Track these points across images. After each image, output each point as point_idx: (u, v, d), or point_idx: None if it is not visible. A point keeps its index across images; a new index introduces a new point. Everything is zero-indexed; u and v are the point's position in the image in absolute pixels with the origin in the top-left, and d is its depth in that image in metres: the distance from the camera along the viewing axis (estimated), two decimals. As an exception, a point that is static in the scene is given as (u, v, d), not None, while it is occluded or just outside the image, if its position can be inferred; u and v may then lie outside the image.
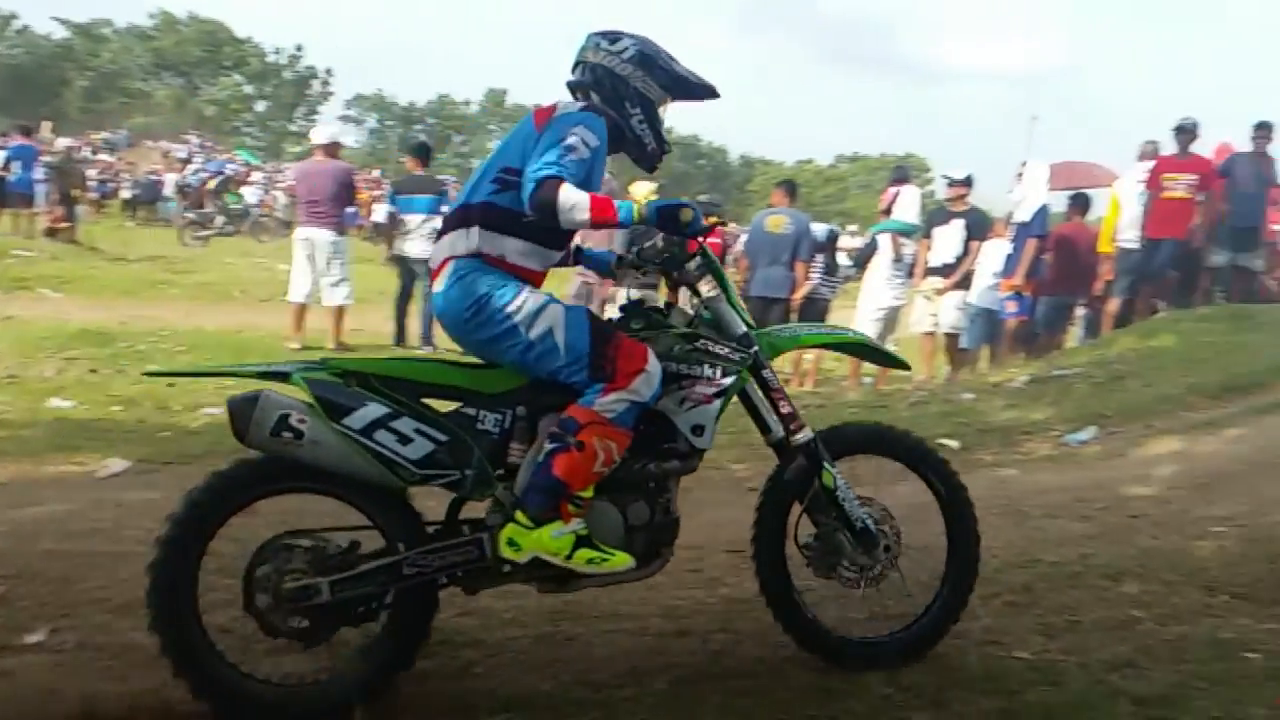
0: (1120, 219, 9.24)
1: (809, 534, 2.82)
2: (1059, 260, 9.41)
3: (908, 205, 9.54)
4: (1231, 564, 4.11)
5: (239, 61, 62.68)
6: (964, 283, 9.23)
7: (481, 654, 2.95)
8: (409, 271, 9.18)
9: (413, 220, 9.10)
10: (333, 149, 9.26)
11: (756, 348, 2.75)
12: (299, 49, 64.18)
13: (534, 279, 2.65)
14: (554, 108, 2.65)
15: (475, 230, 2.58)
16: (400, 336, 9.42)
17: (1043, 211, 8.89)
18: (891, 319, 9.57)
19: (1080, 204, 9.87)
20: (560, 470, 2.45)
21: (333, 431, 2.38)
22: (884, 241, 9.50)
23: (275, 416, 2.38)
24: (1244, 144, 9.08)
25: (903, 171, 10.38)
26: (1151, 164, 9.14)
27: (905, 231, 9.47)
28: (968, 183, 9.19)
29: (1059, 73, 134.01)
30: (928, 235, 9.43)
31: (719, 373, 2.67)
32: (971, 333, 9.53)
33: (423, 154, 9.69)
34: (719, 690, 2.74)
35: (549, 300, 2.58)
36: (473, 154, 63.09)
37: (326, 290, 9.00)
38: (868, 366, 9.13)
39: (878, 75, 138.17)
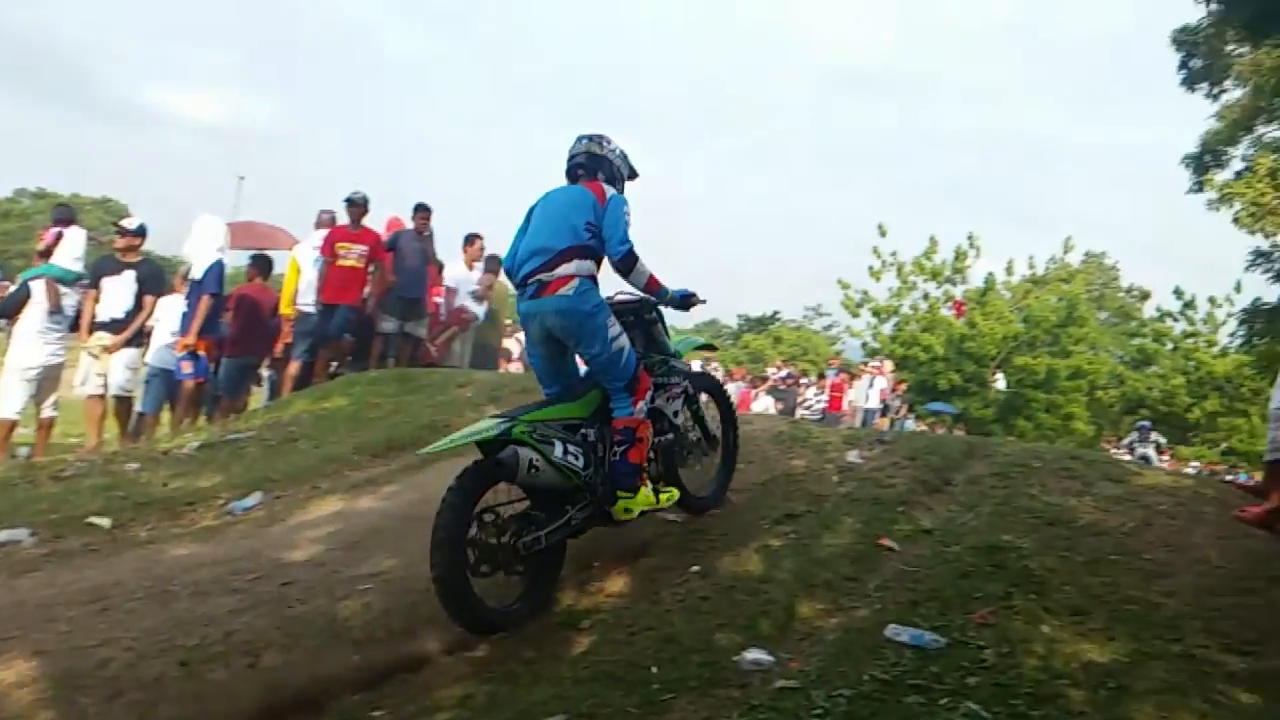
0: (300, 283, 9.57)
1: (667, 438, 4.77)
2: (240, 320, 9.32)
3: (70, 249, 8.45)
4: (374, 620, 4.29)
5: None
6: (137, 340, 8.49)
7: None
8: None
9: None
10: None
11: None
12: None
13: None
14: (602, 188, 4.30)
15: (589, 262, 4.22)
16: None
17: (217, 268, 8.70)
18: (49, 378, 8.31)
19: (261, 265, 9.97)
20: (634, 458, 4.30)
21: (547, 460, 4.08)
22: (38, 289, 8.25)
23: (530, 461, 4.05)
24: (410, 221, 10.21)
25: (67, 211, 9.21)
26: (326, 232, 9.68)
27: (65, 279, 8.35)
28: (140, 233, 8.60)
29: (271, 134, 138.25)
30: (96, 286, 8.48)
31: (680, 380, 4.77)
32: (148, 395, 8.81)
33: None
34: None
35: (622, 331, 4.33)
36: None
37: None
38: (22, 434, 7.82)
39: (67, 109, 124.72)
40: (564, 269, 4.20)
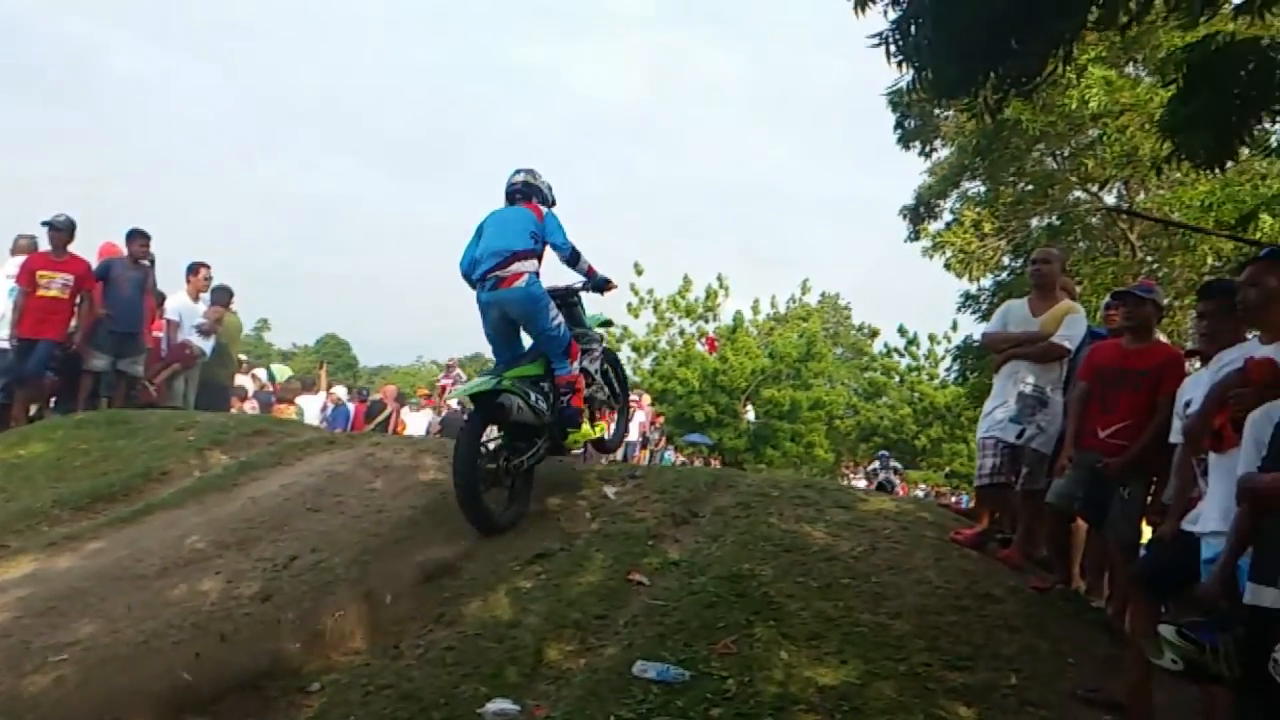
0: (-10, 316, 8.45)
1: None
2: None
3: None
4: (67, 696, 3.80)
5: None
6: None
7: None
8: None
9: None
10: None
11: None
12: None
13: None
14: (539, 208, 5.69)
15: (534, 261, 5.49)
16: None
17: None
18: None
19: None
20: (576, 403, 5.66)
21: (526, 405, 5.36)
22: None
23: (517, 405, 5.32)
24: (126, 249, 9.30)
25: None
26: (23, 259, 8.64)
27: None
28: None
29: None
30: None
31: (596, 345, 6.18)
32: None
33: None
34: None
35: (559, 311, 5.63)
36: None
37: None
38: None
39: None
40: (515, 267, 5.43)
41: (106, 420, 8.04)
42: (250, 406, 12.47)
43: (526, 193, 5.77)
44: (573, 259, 5.69)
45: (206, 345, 9.86)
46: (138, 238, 9.18)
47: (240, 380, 12.57)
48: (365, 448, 7.06)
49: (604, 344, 6.38)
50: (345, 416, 14.15)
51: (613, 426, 6.59)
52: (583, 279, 5.88)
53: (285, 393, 14.20)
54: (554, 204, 5.87)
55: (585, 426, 5.80)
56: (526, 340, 5.80)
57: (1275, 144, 4.88)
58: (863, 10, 4.81)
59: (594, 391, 6.10)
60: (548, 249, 5.62)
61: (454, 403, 18.22)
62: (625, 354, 32.01)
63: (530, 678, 3.94)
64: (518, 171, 5.82)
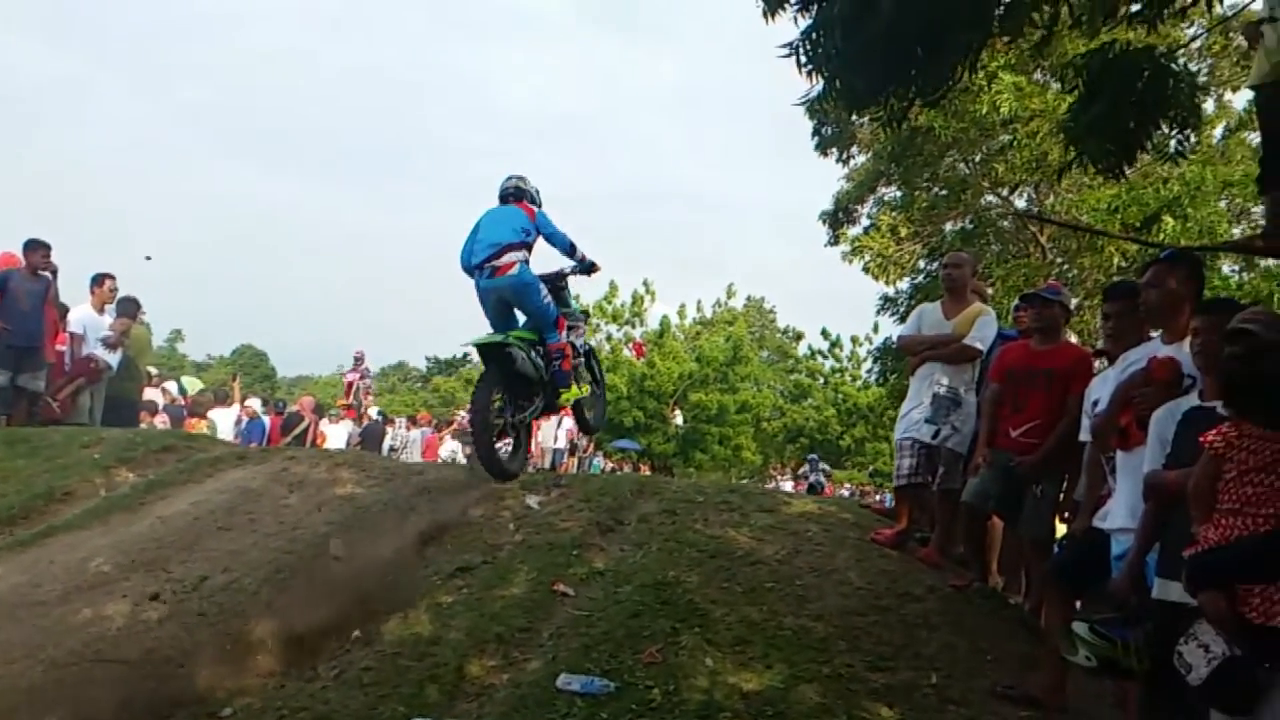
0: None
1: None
2: None
3: None
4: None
5: None
6: None
7: None
8: None
9: None
10: None
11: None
12: None
13: None
14: (530, 207, 6.44)
15: (524, 252, 6.22)
16: None
17: None
18: None
19: None
20: (566, 366, 6.42)
21: (527, 358, 6.12)
22: None
23: (520, 357, 6.05)
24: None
25: None
26: (-89, 270, 8.20)
27: None
28: None
29: None
30: None
31: (580, 321, 7.09)
32: None
33: None
34: None
35: (548, 292, 6.37)
36: None
37: None
38: None
39: None
40: (508, 257, 6.15)
41: (5, 439, 7.69)
42: (160, 421, 12.04)
43: (518, 195, 6.51)
44: (570, 249, 6.51)
45: (113, 359, 9.48)
46: (37, 248, 8.79)
47: (149, 394, 12.10)
48: (279, 462, 6.90)
49: (584, 332, 7.26)
50: (261, 430, 13.79)
51: (598, 404, 7.52)
52: (573, 264, 6.64)
53: (197, 407, 13.82)
54: (540, 205, 6.61)
55: (574, 387, 6.62)
56: (521, 320, 6.57)
57: (1173, 149, 5.00)
58: (772, 16, 4.83)
59: (578, 363, 6.88)
60: (538, 241, 6.37)
61: (373, 412, 17.93)
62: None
63: (452, 695, 3.85)
64: (510, 177, 6.60)
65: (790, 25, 4.85)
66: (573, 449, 18.93)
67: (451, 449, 17.14)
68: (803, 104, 5.34)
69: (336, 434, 15.19)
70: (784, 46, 4.73)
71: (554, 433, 17.92)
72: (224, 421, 13.36)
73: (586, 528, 5.45)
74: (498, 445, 6.16)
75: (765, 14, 4.86)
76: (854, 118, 15.27)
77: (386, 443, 16.44)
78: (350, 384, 18.18)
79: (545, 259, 6.63)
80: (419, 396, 54.49)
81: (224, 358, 67.01)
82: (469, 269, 6.29)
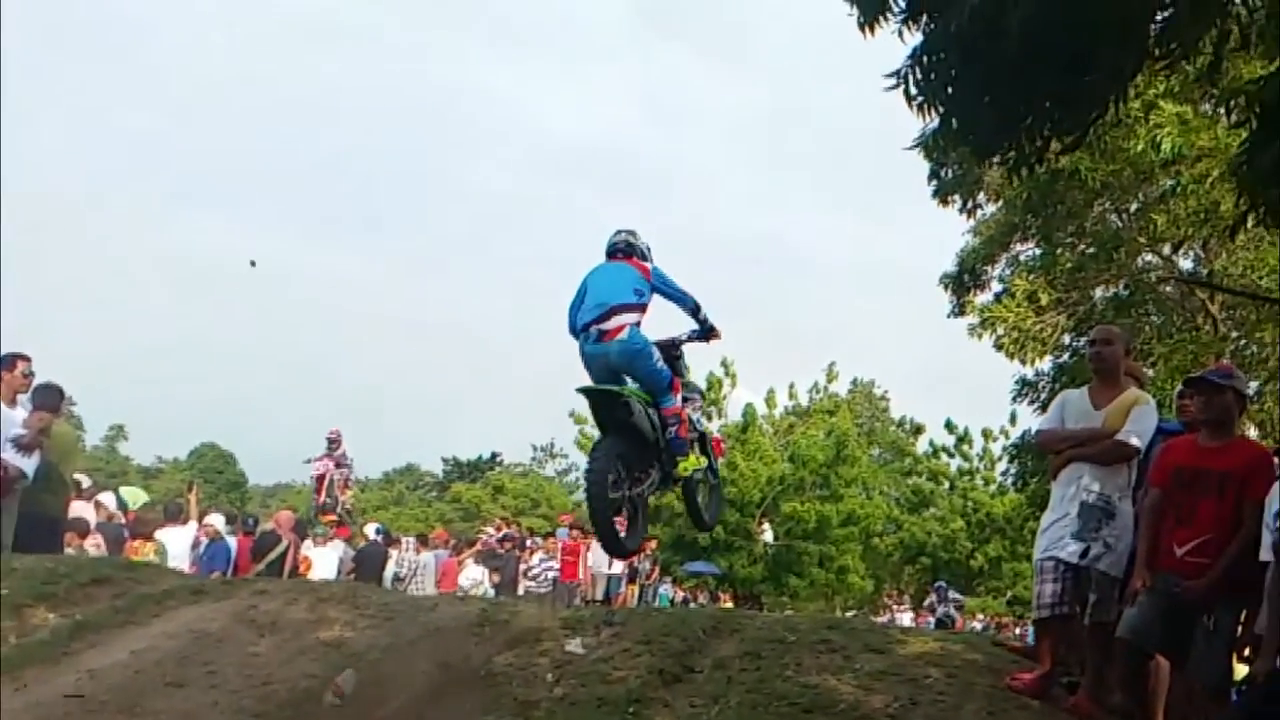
0: None
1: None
2: None
3: None
4: None
5: None
6: None
7: None
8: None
9: None
10: None
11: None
12: None
13: None
14: (642, 264, 6.99)
15: (636, 314, 6.72)
16: None
17: None
18: None
19: None
20: (682, 434, 7.01)
21: (644, 411, 6.78)
22: None
23: (638, 410, 6.73)
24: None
25: None
26: None
27: None
28: None
29: None
30: None
31: (696, 395, 7.99)
32: None
33: None
34: None
35: (660, 355, 6.88)
36: None
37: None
38: None
39: None
40: (618, 319, 6.67)
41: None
42: (92, 545, 11.48)
43: (627, 250, 7.08)
44: (695, 309, 7.21)
45: (27, 464, 9.12)
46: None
47: (77, 509, 11.67)
48: (247, 597, 6.77)
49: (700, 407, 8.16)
50: (226, 555, 13.14)
51: (714, 494, 8.19)
52: (690, 331, 7.40)
53: (141, 525, 13.12)
54: (652, 261, 7.23)
55: (692, 457, 7.20)
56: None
57: None
58: (870, 30, 4.86)
59: (693, 438, 7.44)
60: (653, 300, 6.97)
61: (371, 531, 17.23)
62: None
63: None
64: (619, 232, 7.23)
65: (892, 39, 4.85)
66: (633, 575, 18.67)
67: (474, 577, 16.59)
68: (915, 147, 5.38)
69: (324, 559, 14.74)
70: (890, 76, 4.79)
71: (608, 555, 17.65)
72: (177, 544, 12.91)
73: (647, 678, 5.43)
74: (616, 521, 6.94)
75: (862, 26, 4.86)
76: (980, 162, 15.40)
77: (390, 569, 15.62)
78: (322, 477, 17.06)
79: (659, 325, 7.29)
80: (433, 509, 54.39)
81: (179, 461, 66.69)
82: (574, 331, 6.87)
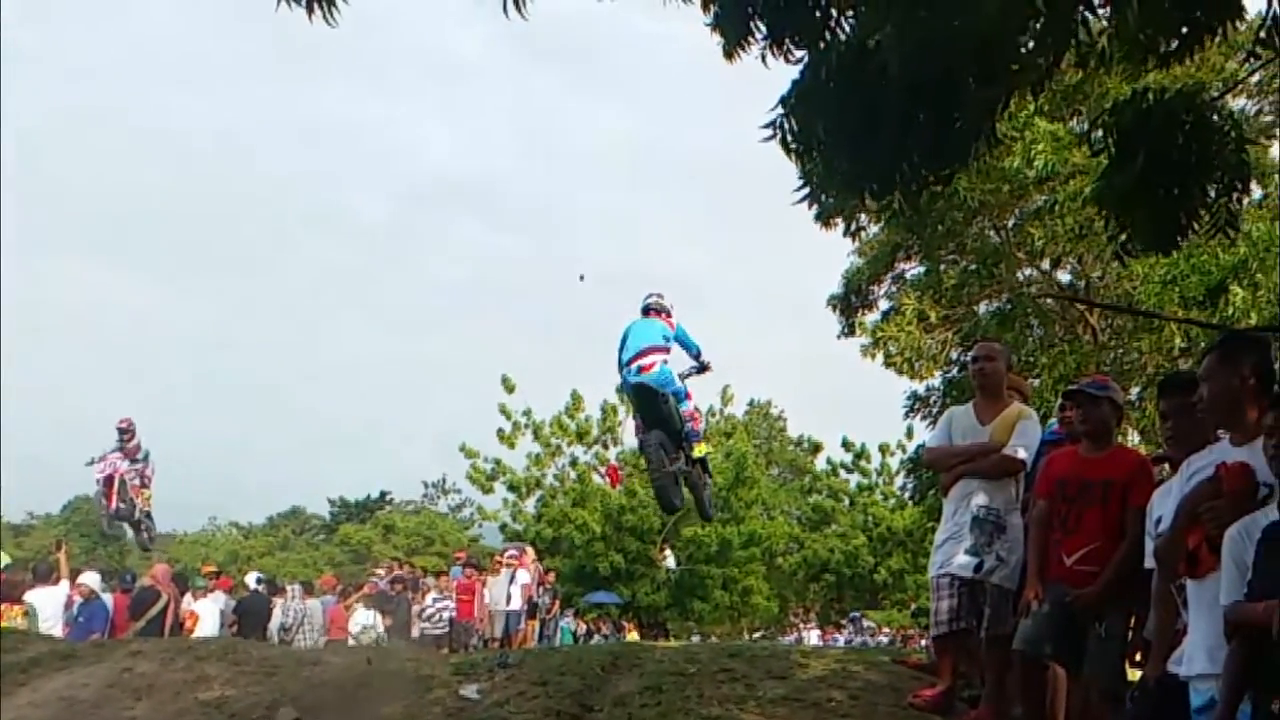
0: None
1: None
2: None
3: None
4: None
5: None
6: None
7: None
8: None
9: None
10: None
11: None
12: None
13: None
14: (669, 320, 9.63)
15: (665, 355, 9.39)
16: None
17: None
18: None
19: None
20: (696, 426, 10.14)
21: (673, 407, 9.53)
22: None
23: (672, 404, 9.40)
24: None
25: None
26: None
27: None
28: None
29: None
30: None
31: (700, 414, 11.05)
32: None
33: None
34: None
35: (681, 383, 9.71)
36: None
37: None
38: None
39: None
40: (651, 358, 9.06)
41: None
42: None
43: (658, 309, 9.50)
44: (697, 354, 9.81)
45: None
46: None
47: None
48: (121, 660, 6.67)
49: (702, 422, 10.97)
50: (103, 614, 12.73)
51: (706, 495, 10.54)
52: (690, 366, 9.78)
53: (8, 587, 12.70)
54: (672, 316, 9.70)
55: (705, 445, 10.13)
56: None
57: (1223, 219, 4.98)
58: (731, 58, 4.68)
59: (704, 428, 10.55)
60: (675, 346, 9.46)
61: (252, 580, 16.64)
62: (501, 495, 31.74)
63: None
64: (650, 294, 9.61)
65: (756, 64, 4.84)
66: (532, 610, 18.33)
67: (365, 621, 15.96)
68: (802, 200, 5.37)
69: (208, 612, 14.18)
70: (766, 127, 4.81)
71: (505, 590, 17.30)
72: (47, 606, 12.38)
73: (544, 721, 5.37)
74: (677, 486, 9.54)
75: (727, 54, 4.80)
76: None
77: (276, 619, 15.02)
78: (111, 479, 15.21)
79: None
80: (322, 552, 52.97)
81: (51, 517, 63.93)
82: (621, 366, 9.27)
